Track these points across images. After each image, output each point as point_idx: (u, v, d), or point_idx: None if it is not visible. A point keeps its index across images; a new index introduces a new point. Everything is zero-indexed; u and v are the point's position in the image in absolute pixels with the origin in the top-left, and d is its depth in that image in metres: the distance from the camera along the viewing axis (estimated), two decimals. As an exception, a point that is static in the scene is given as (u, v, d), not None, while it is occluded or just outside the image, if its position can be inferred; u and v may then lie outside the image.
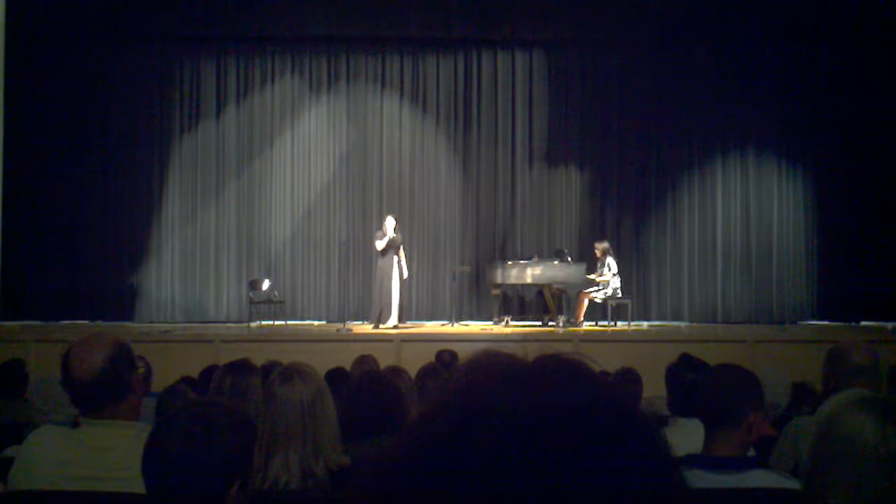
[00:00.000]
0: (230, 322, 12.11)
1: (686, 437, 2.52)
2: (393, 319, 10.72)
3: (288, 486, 2.48)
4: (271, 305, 11.53)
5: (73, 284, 11.99)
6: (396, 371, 3.99)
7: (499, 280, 11.29)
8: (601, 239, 11.70)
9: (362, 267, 12.32)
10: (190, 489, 1.66)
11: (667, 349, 6.93)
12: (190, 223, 12.57)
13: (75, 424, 2.44)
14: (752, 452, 2.68)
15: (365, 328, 10.85)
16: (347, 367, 5.35)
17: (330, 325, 11.78)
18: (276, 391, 2.59)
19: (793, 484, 2.32)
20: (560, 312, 11.11)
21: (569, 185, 12.96)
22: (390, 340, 9.41)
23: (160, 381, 5.32)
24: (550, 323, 11.30)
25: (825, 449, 1.63)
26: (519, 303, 12.53)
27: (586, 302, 11.19)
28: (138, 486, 1.77)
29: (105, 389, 2.36)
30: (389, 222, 10.84)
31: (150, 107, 12.55)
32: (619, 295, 11.20)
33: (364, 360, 5.31)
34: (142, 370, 5.16)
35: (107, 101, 12.35)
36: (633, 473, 0.60)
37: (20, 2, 11.52)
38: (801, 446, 3.04)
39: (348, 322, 10.94)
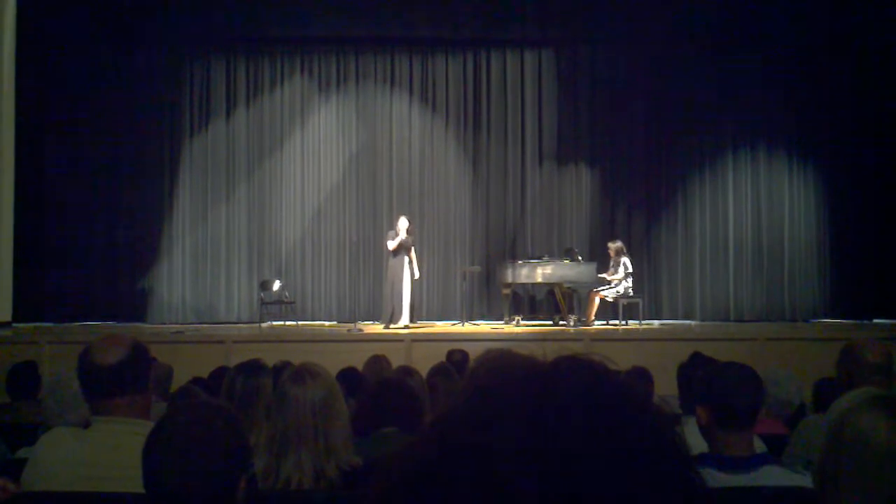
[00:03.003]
0: (241, 323, 12.14)
1: (698, 435, 2.52)
2: (404, 319, 10.71)
3: (300, 486, 2.48)
4: (282, 306, 11.55)
5: (86, 286, 12.04)
6: (408, 371, 3.99)
7: (509, 279, 11.27)
8: (613, 238, 11.66)
9: (373, 267, 12.34)
10: (185, 490, 1.67)
11: (678, 348, 6.90)
12: (201, 224, 12.61)
13: (87, 425, 2.46)
14: (762, 449, 2.67)
15: (376, 328, 10.86)
16: (359, 367, 5.36)
17: (341, 325, 11.79)
18: (287, 391, 2.60)
19: (805, 482, 2.31)
20: (571, 312, 11.09)
21: (579, 184, 12.93)
22: (401, 340, 9.41)
23: (172, 382, 5.34)
24: (561, 322, 11.28)
25: (837, 447, 1.62)
26: (529, 302, 12.52)
27: (597, 301, 11.16)
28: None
29: (123, 378, 2.41)
30: (402, 222, 10.82)
31: (160, 108, 12.58)
32: (631, 294, 11.17)
33: (377, 361, 5.31)
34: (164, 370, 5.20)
35: (117, 103, 12.37)
36: (654, 473, 0.60)
37: (30, 3, 11.58)
38: (814, 445, 3.03)
39: (359, 322, 10.95)
